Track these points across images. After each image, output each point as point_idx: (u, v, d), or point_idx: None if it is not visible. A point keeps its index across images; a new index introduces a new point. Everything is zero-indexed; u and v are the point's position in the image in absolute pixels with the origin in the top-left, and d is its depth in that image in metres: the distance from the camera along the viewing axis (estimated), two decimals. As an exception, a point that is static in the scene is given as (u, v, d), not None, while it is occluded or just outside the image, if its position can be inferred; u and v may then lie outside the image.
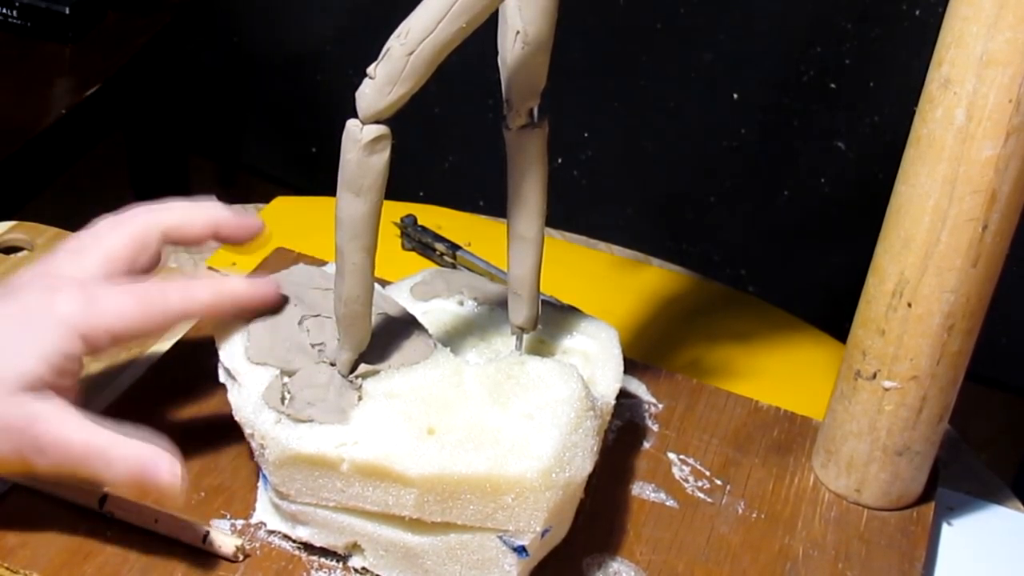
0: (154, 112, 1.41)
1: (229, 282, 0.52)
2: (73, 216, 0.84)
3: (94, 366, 0.61)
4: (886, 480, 0.61)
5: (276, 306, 0.53)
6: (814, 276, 0.71)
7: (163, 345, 0.65)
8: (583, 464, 0.52)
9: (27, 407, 0.45)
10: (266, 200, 0.86)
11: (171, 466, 0.47)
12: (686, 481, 0.63)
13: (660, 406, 0.67)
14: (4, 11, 1.21)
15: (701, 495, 0.62)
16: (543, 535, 0.51)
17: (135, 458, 0.47)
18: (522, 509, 0.49)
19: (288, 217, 0.83)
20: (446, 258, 0.77)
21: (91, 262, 0.49)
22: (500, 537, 0.50)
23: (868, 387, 0.59)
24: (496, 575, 0.50)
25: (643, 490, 0.63)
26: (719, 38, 0.70)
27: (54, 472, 0.48)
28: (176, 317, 0.51)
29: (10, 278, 0.51)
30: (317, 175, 1.23)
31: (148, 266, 0.52)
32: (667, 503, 0.62)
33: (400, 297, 0.60)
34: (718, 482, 0.63)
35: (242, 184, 1.48)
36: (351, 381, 0.52)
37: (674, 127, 0.78)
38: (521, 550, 0.50)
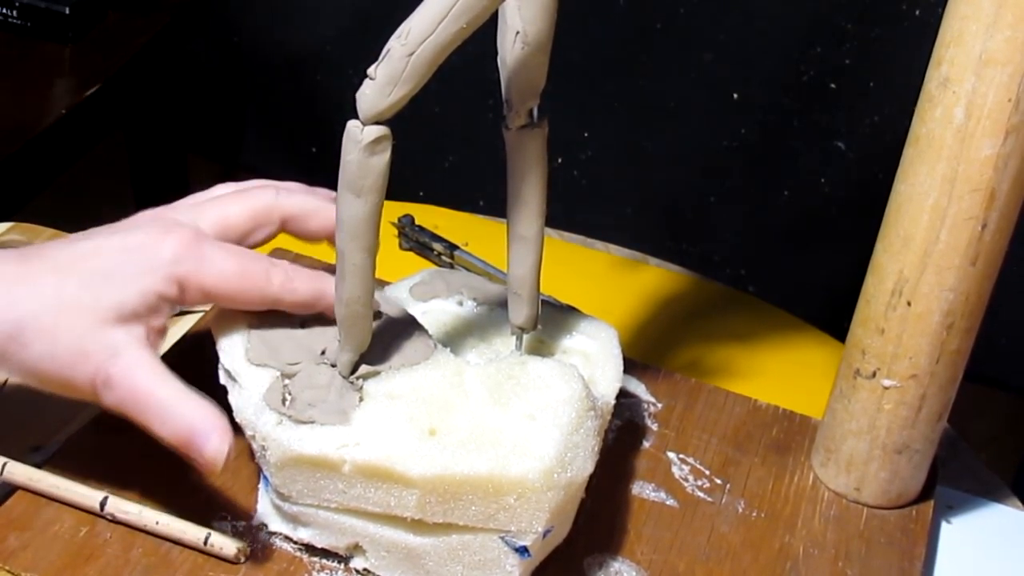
0: (154, 112, 1.40)
1: (330, 285, 0.51)
2: (73, 216, 0.83)
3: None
4: (886, 479, 0.61)
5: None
6: (814, 276, 0.71)
7: (165, 344, 0.64)
8: (585, 464, 0.52)
9: (111, 337, 0.45)
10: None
11: (220, 442, 0.48)
12: (686, 480, 0.63)
13: (659, 405, 0.67)
14: (4, 11, 1.20)
15: (701, 494, 0.62)
16: (545, 535, 0.50)
17: (189, 423, 0.47)
18: (524, 510, 0.49)
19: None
20: (444, 258, 0.76)
21: (208, 220, 0.50)
22: (502, 538, 0.49)
23: (867, 386, 0.59)
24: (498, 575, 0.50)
25: (643, 489, 0.62)
26: (719, 38, 0.70)
27: (116, 409, 0.47)
28: (271, 300, 0.50)
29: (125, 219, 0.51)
30: (317, 175, 1.23)
31: (259, 244, 0.52)
32: (667, 502, 0.61)
33: (399, 297, 0.60)
34: (718, 481, 0.63)
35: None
36: (352, 382, 0.52)
37: (674, 127, 0.78)
38: (523, 551, 0.49)
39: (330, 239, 0.53)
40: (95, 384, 0.47)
